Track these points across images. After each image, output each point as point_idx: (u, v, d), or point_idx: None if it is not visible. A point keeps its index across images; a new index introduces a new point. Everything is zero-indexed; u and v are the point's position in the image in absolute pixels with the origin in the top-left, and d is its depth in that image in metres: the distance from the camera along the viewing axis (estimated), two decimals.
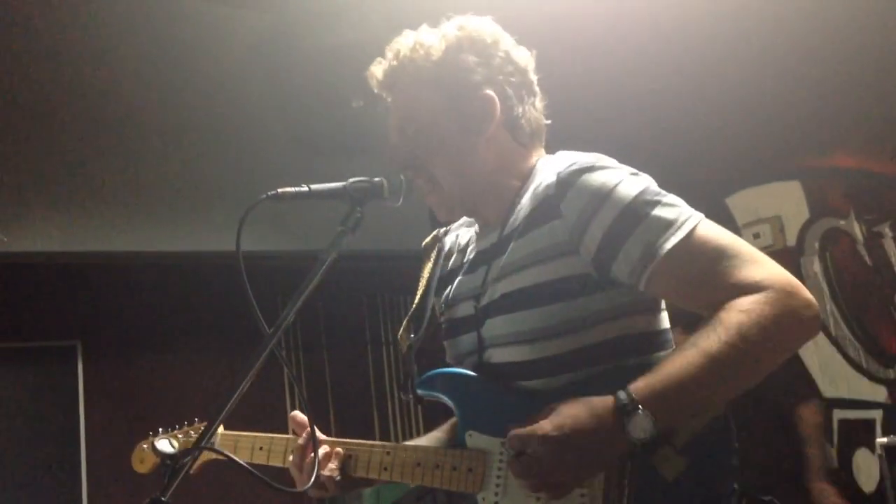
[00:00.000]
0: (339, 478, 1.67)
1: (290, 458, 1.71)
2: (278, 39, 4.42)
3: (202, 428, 1.81)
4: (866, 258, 3.61)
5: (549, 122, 1.68)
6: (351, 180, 1.49)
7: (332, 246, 1.41)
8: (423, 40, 1.61)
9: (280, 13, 4.44)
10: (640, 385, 1.32)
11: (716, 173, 4.06)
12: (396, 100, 1.65)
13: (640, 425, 1.30)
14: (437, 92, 1.59)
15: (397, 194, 1.54)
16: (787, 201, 3.88)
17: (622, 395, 1.32)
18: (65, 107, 4.16)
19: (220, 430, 1.82)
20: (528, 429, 1.36)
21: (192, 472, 1.27)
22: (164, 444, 1.68)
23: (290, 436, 1.73)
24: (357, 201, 1.48)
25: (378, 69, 1.65)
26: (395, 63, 1.62)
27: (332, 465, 1.66)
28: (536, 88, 1.66)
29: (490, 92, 1.58)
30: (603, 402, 1.34)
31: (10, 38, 4.05)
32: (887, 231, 3.53)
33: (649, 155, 4.01)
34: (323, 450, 1.67)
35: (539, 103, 1.66)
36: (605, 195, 1.43)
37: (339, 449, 1.68)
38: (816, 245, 3.78)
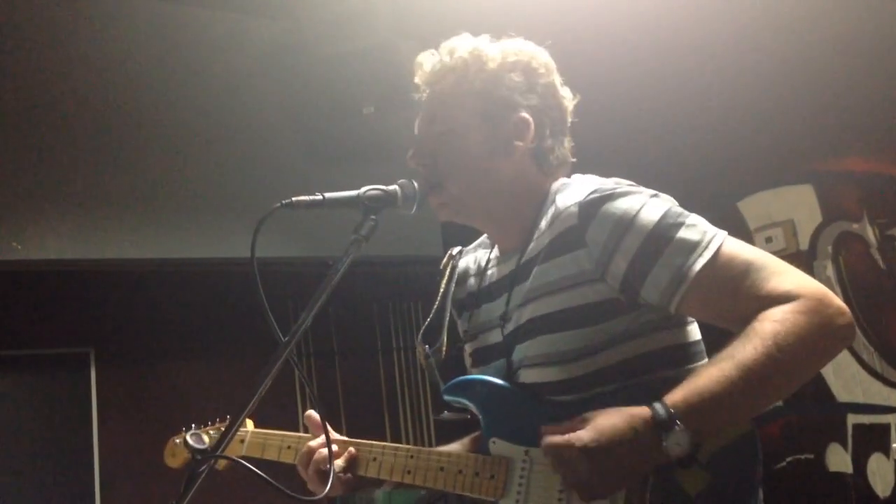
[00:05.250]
0: (344, 476, 1.67)
1: (298, 457, 1.73)
2: (290, 47, 4.44)
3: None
4: (880, 262, 3.59)
5: (574, 160, 1.69)
6: (364, 189, 1.49)
7: (346, 254, 1.41)
8: (483, 48, 1.62)
9: (292, 21, 4.45)
10: (676, 399, 1.31)
11: (728, 177, 4.05)
12: (436, 95, 1.66)
13: (677, 440, 1.29)
14: (479, 101, 1.60)
15: (411, 203, 1.55)
16: (800, 205, 3.87)
17: (659, 408, 1.31)
18: (77, 115, 4.18)
19: (251, 427, 1.85)
20: (565, 437, 1.35)
21: (220, 469, 1.28)
22: (196, 440, 1.70)
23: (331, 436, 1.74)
24: (371, 209, 1.48)
25: (428, 61, 1.66)
26: (447, 60, 1.63)
27: (339, 462, 1.67)
28: (568, 129, 1.67)
29: (527, 116, 1.60)
30: (640, 414, 1.32)
31: (23, 49, 4.07)
32: None
33: (661, 160, 4.03)
34: (333, 448, 1.67)
35: (568, 143, 1.67)
36: (628, 223, 1.43)
37: (351, 449, 1.69)
38: (829, 249, 3.76)
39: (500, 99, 1.60)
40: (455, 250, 1.85)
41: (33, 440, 4.48)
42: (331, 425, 1.76)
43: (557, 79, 1.66)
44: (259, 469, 1.28)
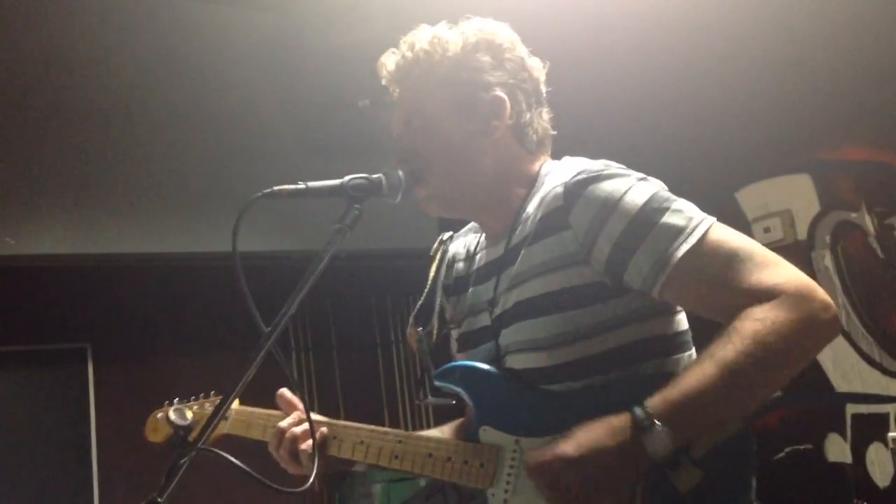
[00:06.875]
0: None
1: (269, 437, 1.71)
2: (283, 40, 4.42)
3: (217, 401, 1.80)
4: (878, 251, 3.58)
5: (555, 132, 1.67)
6: (348, 177, 1.47)
7: (329, 243, 1.40)
8: (442, 35, 1.60)
9: (285, 14, 4.43)
10: (656, 400, 1.31)
11: (725, 167, 4.04)
12: (405, 92, 1.63)
13: (658, 441, 1.28)
14: (449, 88, 1.58)
15: (396, 191, 1.53)
16: (798, 195, 3.86)
17: (638, 411, 1.30)
18: (72, 110, 4.16)
19: (236, 405, 1.82)
20: (549, 454, 1.34)
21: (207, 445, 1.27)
22: (179, 415, 1.68)
23: (301, 416, 1.71)
24: (355, 199, 1.46)
25: (390, 60, 1.63)
26: (409, 55, 1.61)
27: (309, 442, 1.64)
28: (544, 98, 1.65)
29: (501, 94, 1.58)
30: (619, 419, 1.32)
31: (16, 44, 4.06)
32: None
33: (658, 150, 4.01)
34: (303, 427, 1.66)
35: (546, 115, 1.65)
36: (612, 205, 1.41)
37: (323, 429, 1.67)
38: (827, 238, 3.75)
39: (470, 82, 1.58)
40: (445, 235, 1.84)
41: (31, 435, 4.48)
42: (330, 418, 1.74)
43: (524, 50, 1.63)
44: (249, 449, 1.27)
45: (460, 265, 1.75)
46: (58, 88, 4.13)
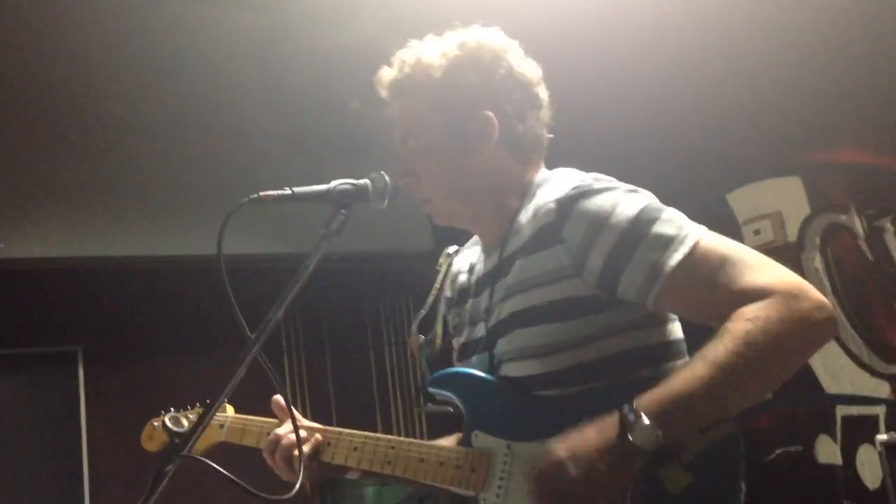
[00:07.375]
0: (308, 462, 1.65)
1: (265, 444, 1.71)
2: (274, 41, 4.42)
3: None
4: (867, 253, 3.59)
5: (551, 135, 1.66)
6: (335, 183, 1.49)
7: (315, 249, 1.41)
8: (424, 58, 1.60)
9: (276, 15, 4.43)
10: (644, 397, 1.31)
11: (716, 170, 4.05)
12: (400, 112, 1.65)
13: (645, 434, 1.27)
14: (437, 112, 1.59)
15: (382, 196, 1.53)
16: (788, 197, 3.87)
17: (625, 407, 1.30)
18: (60, 112, 4.15)
19: (231, 413, 1.83)
20: (543, 461, 1.32)
21: (198, 455, 1.27)
22: (175, 423, 1.69)
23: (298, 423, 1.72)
24: (341, 204, 1.47)
25: (385, 77, 1.65)
26: (399, 76, 1.62)
27: (304, 448, 1.64)
28: (542, 100, 1.64)
29: (489, 113, 1.58)
30: (608, 418, 1.32)
31: (8, 45, 4.05)
32: (888, 226, 3.52)
33: (650, 153, 4.02)
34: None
35: (543, 115, 1.64)
36: (603, 219, 1.42)
37: (317, 436, 1.68)
38: (817, 240, 3.77)
39: (457, 105, 1.58)
40: (451, 249, 1.86)
41: (22, 439, 4.46)
42: (322, 420, 1.75)
43: (513, 56, 1.62)
44: (239, 458, 1.26)
45: (463, 277, 1.77)
46: (47, 92, 4.12)
